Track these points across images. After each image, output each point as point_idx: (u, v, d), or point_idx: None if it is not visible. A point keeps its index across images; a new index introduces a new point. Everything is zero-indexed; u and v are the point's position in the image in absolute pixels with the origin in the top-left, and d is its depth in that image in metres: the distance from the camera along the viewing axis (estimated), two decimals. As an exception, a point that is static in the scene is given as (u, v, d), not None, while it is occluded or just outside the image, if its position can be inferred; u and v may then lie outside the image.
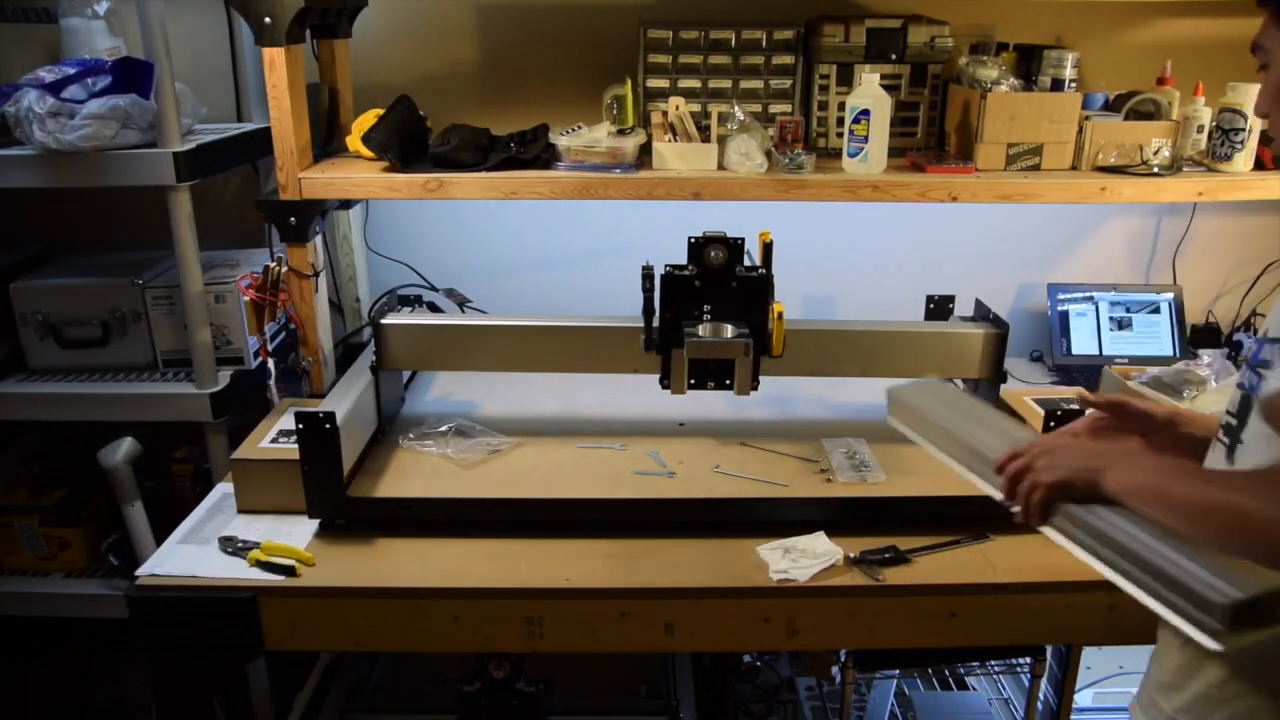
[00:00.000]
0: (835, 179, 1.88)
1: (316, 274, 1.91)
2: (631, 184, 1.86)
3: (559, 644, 1.54)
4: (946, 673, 2.19)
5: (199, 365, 1.96)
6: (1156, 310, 2.37)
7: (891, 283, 2.39)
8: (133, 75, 1.83)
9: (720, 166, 1.92)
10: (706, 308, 1.73)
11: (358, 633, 1.54)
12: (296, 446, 1.57)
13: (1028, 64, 2.07)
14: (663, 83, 2.04)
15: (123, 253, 2.20)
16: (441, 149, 1.89)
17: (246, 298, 1.87)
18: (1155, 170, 1.92)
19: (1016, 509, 1.16)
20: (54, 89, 1.77)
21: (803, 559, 1.54)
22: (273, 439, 1.74)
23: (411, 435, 1.83)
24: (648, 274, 1.69)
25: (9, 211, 2.26)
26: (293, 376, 1.96)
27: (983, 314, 1.91)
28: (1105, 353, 2.35)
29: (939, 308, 2.06)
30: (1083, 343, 2.36)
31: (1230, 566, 0.94)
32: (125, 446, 2.02)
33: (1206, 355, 2.05)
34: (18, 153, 1.83)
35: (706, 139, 1.93)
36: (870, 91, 1.86)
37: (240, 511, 1.70)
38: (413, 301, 2.11)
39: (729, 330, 1.71)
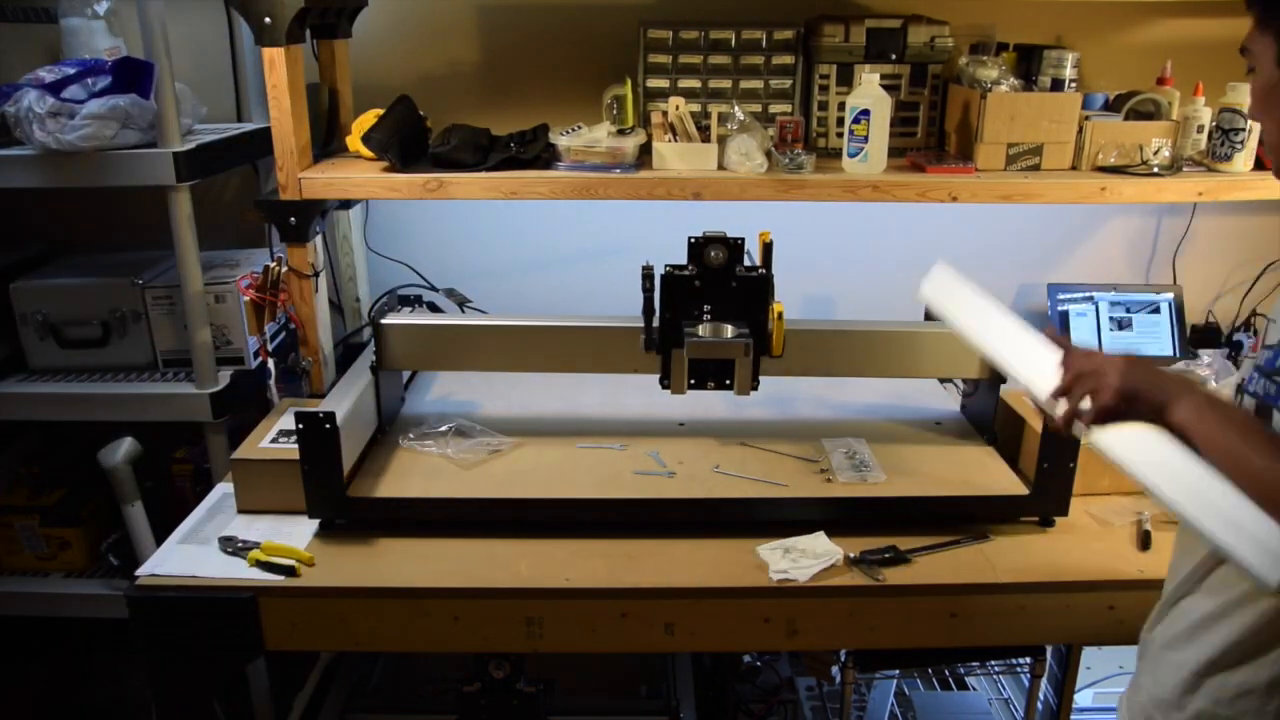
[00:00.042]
0: (835, 179, 1.88)
1: (316, 274, 1.91)
2: (631, 184, 1.86)
3: (559, 644, 1.54)
4: (946, 673, 2.19)
5: (199, 365, 1.96)
6: (1156, 310, 2.37)
7: (891, 283, 2.38)
8: (133, 75, 1.83)
9: (720, 166, 1.92)
10: (706, 308, 1.73)
11: (358, 633, 1.54)
12: (296, 446, 1.57)
13: (1028, 64, 2.07)
14: (663, 83, 2.04)
15: (123, 253, 2.20)
16: (441, 149, 1.89)
17: (246, 298, 1.87)
18: (1155, 170, 1.92)
19: (1060, 409, 1.11)
20: (54, 89, 1.77)
21: (803, 559, 1.54)
22: (273, 439, 1.74)
23: (411, 435, 1.83)
24: (648, 274, 1.69)
25: (9, 211, 2.26)
26: (293, 376, 1.96)
27: (983, 314, 1.90)
28: (1105, 353, 2.35)
29: (939, 308, 2.06)
30: (1083, 343, 2.35)
31: None
32: (125, 446, 2.02)
33: (1206, 355, 2.05)
34: (18, 153, 1.83)
35: (706, 139, 1.93)
36: (870, 91, 1.86)
37: (240, 511, 1.70)
38: (413, 301, 2.11)
39: (729, 330, 1.71)
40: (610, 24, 2.17)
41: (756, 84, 2.04)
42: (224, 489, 1.79)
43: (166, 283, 2.01)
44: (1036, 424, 1.69)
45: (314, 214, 1.88)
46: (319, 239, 1.93)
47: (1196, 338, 2.37)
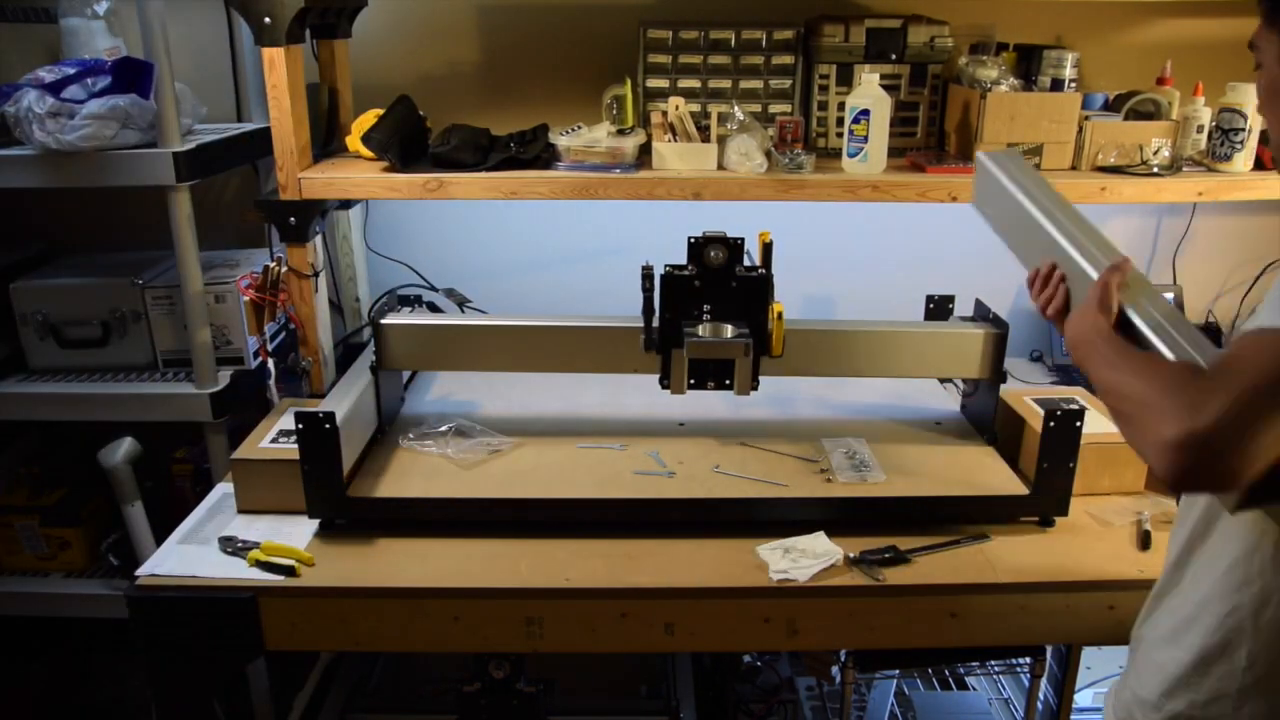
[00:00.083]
0: (835, 179, 1.88)
1: (316, 274, 1.91)
2: (631, 184, 1.86)
3: (559, 644, 1.54)
4: (946, 673, 2.19)
5: (199, 365, 1.96)
6: (1156, 310, 2.36)
7: (891, 283, 2.39)
8: (133, 75, 1.83)
9: (720, 166, 1.92)
10: (706, 308, 1.73)
11: (358, 633, 1.54)
12: (296, 446, 1.57)
13: (1028, 64, 2.07)
14: (662, 83, 2.04)
15: (123, 253, 2.20)
16: (441, 149, 1.89)
17: (246, 298, 1.87)
18: (1155, 170, 1.92)
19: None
20: (54, 89, 1.77)
21: (803, 559, 1.54)
22: (273, 439, 1.74)
23: (411, 435, 1.83)
24: (648, 274, 1.69)
25: (9, 211, 2.26)
26: (293, 376, 1.96)
27: (983, 314, 1.91)
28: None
29: (939, 308, 2.06)
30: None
31: None
32: (125, 446, 2.03)
33: (1206, 355, 2.04)
34: (18, 153, 1.83)
35: (706, 139, 1.93)
36: (870, 91, 1.86)
37: (240, 511, 1.70)
38: (413, 301, 2.11)
39: (729, 330, 1.71)
40: (610, 24, 2.17)
41: (756, 84, 2.04)
42: (224, 489, 1.79)
43: (166, 283, 2.01)
44: (1036, 424, 1.69)
45: (314, 214, 1.88)
46: (319, 239, 1.93)
47: (1196, 338, 2.37)
